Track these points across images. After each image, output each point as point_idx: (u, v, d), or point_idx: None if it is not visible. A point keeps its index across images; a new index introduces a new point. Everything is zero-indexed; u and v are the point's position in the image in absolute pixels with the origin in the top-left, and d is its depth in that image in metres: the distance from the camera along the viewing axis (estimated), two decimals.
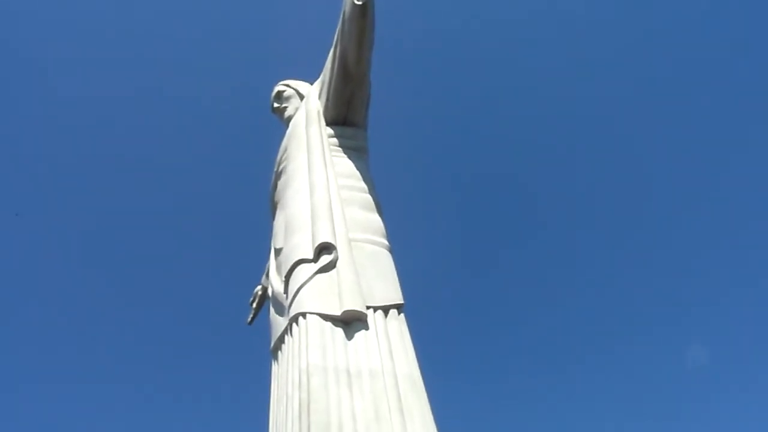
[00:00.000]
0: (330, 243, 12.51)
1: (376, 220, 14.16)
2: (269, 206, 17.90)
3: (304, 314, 11.48)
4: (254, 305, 20.70)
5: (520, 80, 46.38)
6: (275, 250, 14.87)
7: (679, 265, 43.29)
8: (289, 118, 19.20)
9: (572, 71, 44.95)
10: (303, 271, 12.35)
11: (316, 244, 12.57)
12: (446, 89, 46.48)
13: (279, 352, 12.34)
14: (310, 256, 12.51)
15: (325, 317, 11.38)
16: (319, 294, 11.77)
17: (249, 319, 20.80)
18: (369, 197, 14.73)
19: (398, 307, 12.26)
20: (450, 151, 47.28)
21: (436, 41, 46.01)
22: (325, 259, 12.35)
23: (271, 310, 13.82)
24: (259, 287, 20.62)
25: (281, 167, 16.69)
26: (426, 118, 47.17)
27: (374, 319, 11.69)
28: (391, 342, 11.43)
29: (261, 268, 21.06)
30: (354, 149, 16.20)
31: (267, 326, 14.10)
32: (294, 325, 11.63)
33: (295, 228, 13.52)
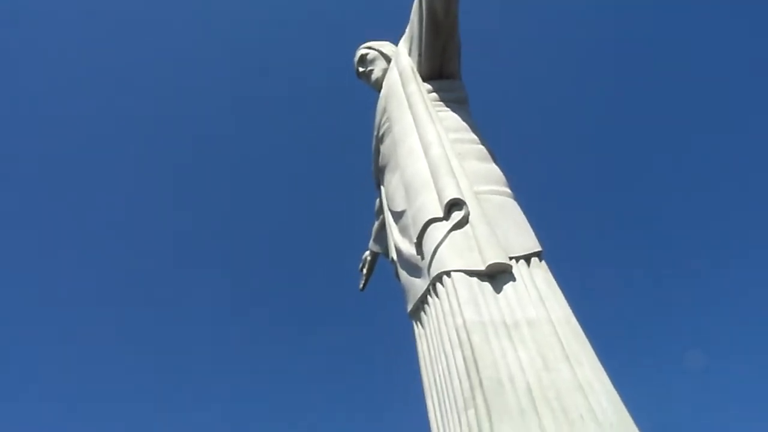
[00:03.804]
0: (459, 199, 12.29)
1: (495, 170, 13.83)
2: (372, 171, 17.83)
3: (447, 273, 11.37)
4: (364, 271, 20.91)
5: None
6: (393, 213, 14.78)
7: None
8: (377, 81, 18.93)
9: None
10: (436, 231, 12.20)
11: (445, 202, 12.36)
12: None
13: (422, 313, 12.32)
14: (441, 214, 12.33)
15: (470, 273, 11.24)
16: (458, 251, 11.61)
17: (361, 285, 21.04)
18: (482, 148, 14.39)
19: (538, 255, 11.99)
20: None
21: None
22: (456, 216, 12.14)
23: (402, 273, 13.81)
24: (367, 253, 20.77)
25: (382, 131, 16.49)
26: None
27: (518, 269, 11.47)
28: (539, 290, 11.20)
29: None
30: (455, 101, 15.82)
31: (399, 290, 14.16)
32: (438, 284, 11.55)
33: (417, 188, 13.35)
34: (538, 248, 12.10)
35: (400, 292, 14.14)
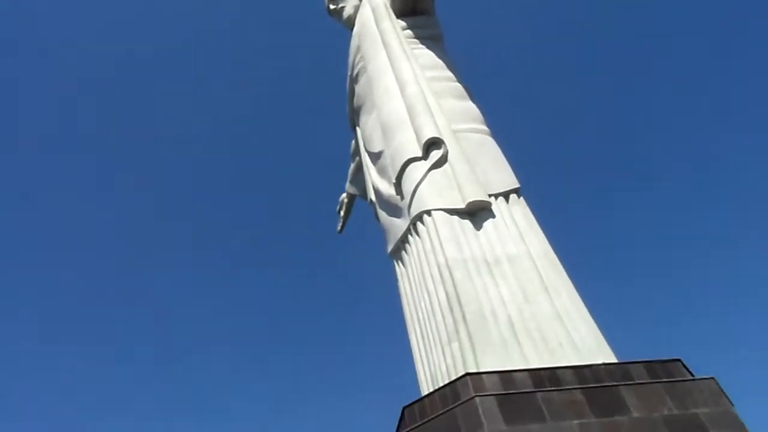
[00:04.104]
0: (437, 137, 12.28)
1: (472, 107, 13.79)
2: (347, 112, 17.58)
3: (428, 212, 11.48)
4: (341, 213, 20.88)
5: None
6: (371, 154, 14.71)
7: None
8: (350, 18, 18.39)
9: None
10: (415, 170, 12.22)
11: (423, 141, 12.34)
12: None
13: (403, 252, 12.48)
14: (419, 153, 12.33)
15: (451, 211, 11.38)
16: (438, 190, 11.70)
17: (339, 228, 21.06)
18: (459, 85, 14.28)
19: (516, 191, 12.17)
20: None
21: None
22: (435, 155, 12.17)
23: (381, 214, 13.88)
24: (344, 195, 20.67)
25: (357, 70, 16.18)
26: None
27: (498, 206, 11.64)
28: (519, 226, 11.43)
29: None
30: (430, 38, 15.53)
31: (379, 231, 14.26)
32: (419, 224, 11.67)
33: (394, 128, 13.27)
34: (516, 185, 12.26)
35: (379, 232, 14.28)
